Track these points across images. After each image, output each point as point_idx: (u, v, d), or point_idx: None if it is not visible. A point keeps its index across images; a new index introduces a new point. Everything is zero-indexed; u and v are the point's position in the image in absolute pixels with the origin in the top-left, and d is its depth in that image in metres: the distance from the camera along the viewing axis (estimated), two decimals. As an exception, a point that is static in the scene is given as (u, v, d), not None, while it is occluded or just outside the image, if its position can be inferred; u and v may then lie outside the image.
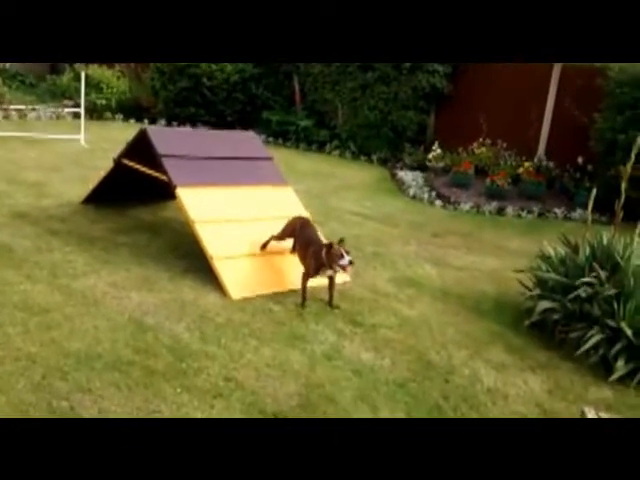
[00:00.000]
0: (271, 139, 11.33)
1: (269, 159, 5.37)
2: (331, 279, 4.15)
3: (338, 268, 4.01)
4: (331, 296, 4.17)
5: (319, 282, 4.36)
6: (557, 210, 7.97)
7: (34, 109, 11.26)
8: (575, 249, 4.41)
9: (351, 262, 3.94)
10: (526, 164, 8.89)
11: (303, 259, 4.20)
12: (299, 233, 4.34)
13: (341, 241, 4.01)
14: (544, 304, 4.09)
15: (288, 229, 4.44)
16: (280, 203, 4.76)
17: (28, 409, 2.65)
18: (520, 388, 3.42)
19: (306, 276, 4.13)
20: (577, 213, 7.83)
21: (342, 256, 3.93)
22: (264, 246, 4.49)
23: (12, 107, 10.87)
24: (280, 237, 4.46)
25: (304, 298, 4.11)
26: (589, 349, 3.73)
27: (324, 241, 4.26)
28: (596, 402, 3.33)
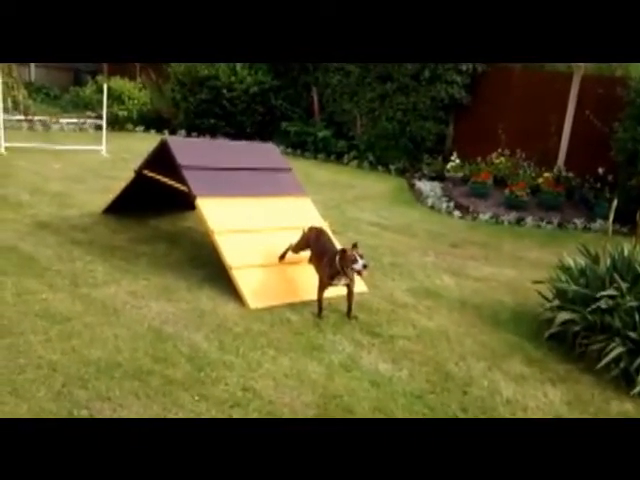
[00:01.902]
0: (289, 150, 11.39)
1: (288, 170, 5.40)
2: (349, 288, 4.14)
3: (353, 273, 4.01)
4: (350, 307, 4.16)
5: (337, 293, 4.36)
6: (577, 221, 7.90)
7: (58, 121, 11.47)
8: (595, 260, 4.36)
9: (365, 265, 3.93)
10: (545, 174, 8.83)
11: (318, 268, 4.22)
12: (314, 243, 4.35)
13: (354, 246, 4.02)
14: (564, 315, 4.05)
15: (303, 241, 4.45)
16: (299, 213, 4.78)
17: (49, 417, 2.68)
18: (540, 400, 3.38)
19: (321, 285, 4.13)
20: (597, 224, 7.75)
21: (356, 260, 3.92)
22: (282, 257, 4.51)
23: (37, 119, 11.09)
24: (296, 249, 4.47)
25: (320, 308, 4.12)
26: (610, 362, 3.68)
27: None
28: (617, 416, 3.29)
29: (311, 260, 4.37)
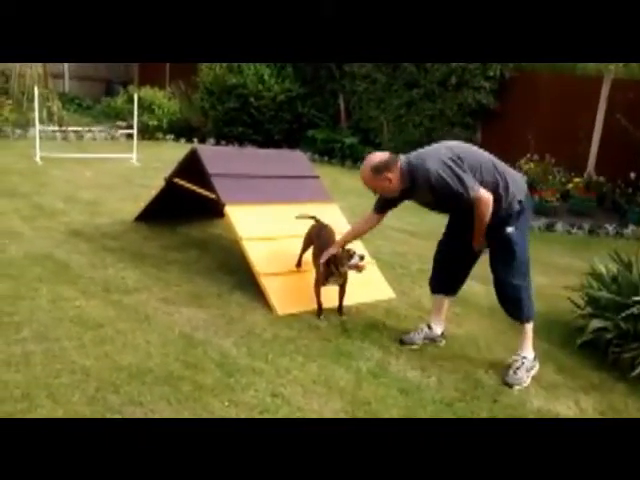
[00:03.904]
0: (316, 157, 11.44)
1: (316, 177, 5.43)
2: (342, 287, 4.18)
3: (352, 270, 4.03)
4: (340, 304, 4.23)
5: (365, 299, 4.38)
6: (608, 226, 7.78)
7: (90, 130, 11.72)
8: (628, 266, 4.29)
9: (362, 257, 3.98)
10: (576, 180, 8.72)
11: (316, 267, 4.21)
12: (315, 239, 4.35)
13: (343, 248, 4.02)
14: (596, 323, 3.99)
15: (307, 239, 4.46)
16: (326, 220, 4.79)
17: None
18: (571, 409, 3.33)
19: (317, 284, 4.14)
20: (629, 230, 7.62)
21: (350, 256, 3.95)
22: (299, 263, 4.52)
23: (70, 129, 11.34)
24: (303, 250, 4.48)
25: (319, 307, 4.14)
26: (644, 370, 3.62)
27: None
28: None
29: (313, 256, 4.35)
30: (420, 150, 3.60)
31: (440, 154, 3.41)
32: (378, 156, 3.53)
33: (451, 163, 3.34)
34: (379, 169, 3.47)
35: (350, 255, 3.96)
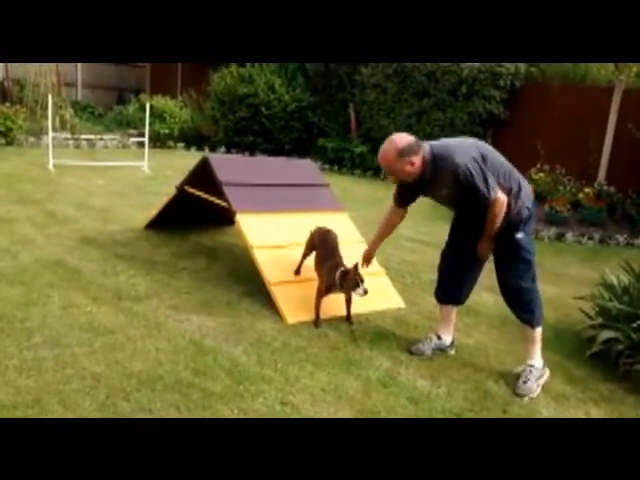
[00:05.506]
0: (327, 166, 11.47)
1: (326, 186, 5.45)
2: (348, 298, 4.15)
3: (352, 295, 4.05)
4: (348, 313, 4.22)
5: (374, 308, 4.38)
6: (619, 237, 7.74)
7: (102, 138, 11.84)
8: (639, 277, 4.27)
9: (366, 291, 3.94)
10: (586, 190, 8.69)
11: (319, 273, 4.18)
12: (319, 244, 4.33)
13: (355, 267, 3.99)
14: (606, 334, 3.97)
15: (309, 244, 4.44)
16: (336, 229, 4.80)
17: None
18: (582, 420, 3.31)
19: (319, 294, 4.11)
20: (641, 240, 7.58)
21: (357, 285, 3.92)
22: (298, 270, 4.51)
23: (82, 137, 11.46)
24: (305, 255, 4.47)
25: (317, 317, 4.11)
26: (656, 382, 3.60)
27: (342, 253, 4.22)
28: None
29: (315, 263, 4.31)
30: (444, 141, 3.55)
31: (468, 149, 3.38)
32: (405, 138, 3.42)
33: (480, 160, 3.33)
34: (405, 152, 3.35)
35: (357, 284, 3.93)
